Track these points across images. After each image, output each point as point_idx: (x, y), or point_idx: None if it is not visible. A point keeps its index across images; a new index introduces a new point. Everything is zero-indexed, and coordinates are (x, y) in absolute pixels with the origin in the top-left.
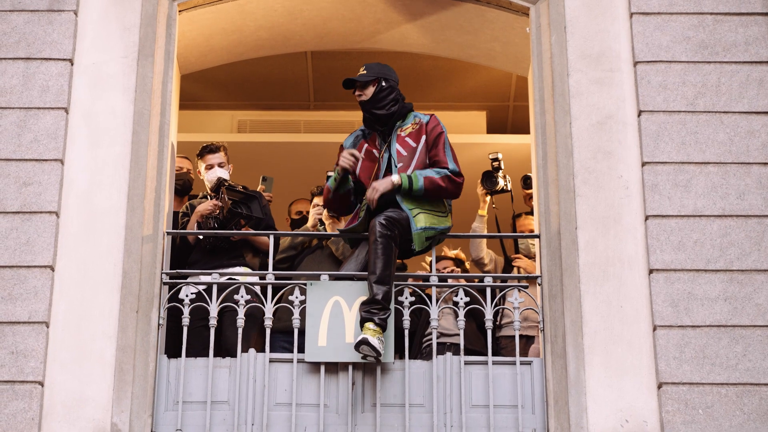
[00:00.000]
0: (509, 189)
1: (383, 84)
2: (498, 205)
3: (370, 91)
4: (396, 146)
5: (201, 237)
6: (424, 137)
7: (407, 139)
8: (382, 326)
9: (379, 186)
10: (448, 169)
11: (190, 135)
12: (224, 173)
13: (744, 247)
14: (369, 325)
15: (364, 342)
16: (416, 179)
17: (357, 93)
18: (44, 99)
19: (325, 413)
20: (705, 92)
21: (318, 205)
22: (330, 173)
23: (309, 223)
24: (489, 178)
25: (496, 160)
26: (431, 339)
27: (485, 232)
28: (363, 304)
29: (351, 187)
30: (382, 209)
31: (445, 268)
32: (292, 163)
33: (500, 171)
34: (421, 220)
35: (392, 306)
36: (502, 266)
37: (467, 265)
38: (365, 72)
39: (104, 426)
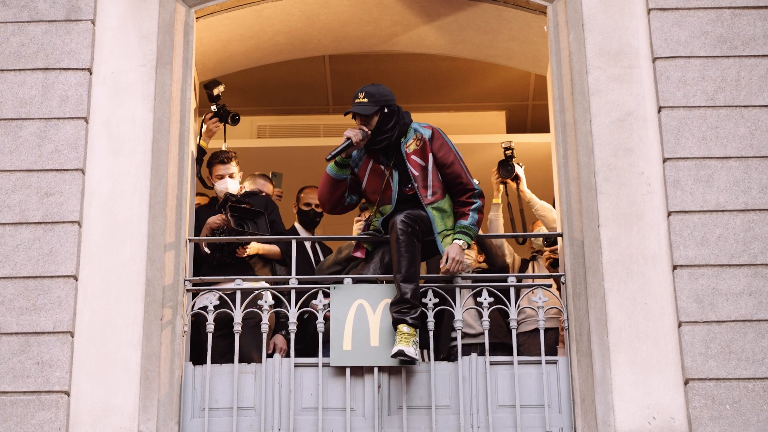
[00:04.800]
0: (522, 177)
1: (385, 111)
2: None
3: (374, 121)
4: (407, 165)
5: (208, 252)
6: (431, 155)
7: (414, 157)
8: (416, 326)
9: (456, 255)
10: (474, 192)
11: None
12: (234, 185)
13: None
14: (403, 327)
15: (399, 354)
16: (473, 232)
17: (359, 123)
18: (64, 109)
19: (352, 417)
20: (725, 87)
21: (360, 221)
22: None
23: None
24: (504, 167)
25: (509, 148)
26: (457, 341)
27: (501, 220)
28: (392, 304)
29: (348, 177)
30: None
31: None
32: (313, 167)
33: (513, 158)
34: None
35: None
36: (520, 265)
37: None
38: (366, 100)
39: None
